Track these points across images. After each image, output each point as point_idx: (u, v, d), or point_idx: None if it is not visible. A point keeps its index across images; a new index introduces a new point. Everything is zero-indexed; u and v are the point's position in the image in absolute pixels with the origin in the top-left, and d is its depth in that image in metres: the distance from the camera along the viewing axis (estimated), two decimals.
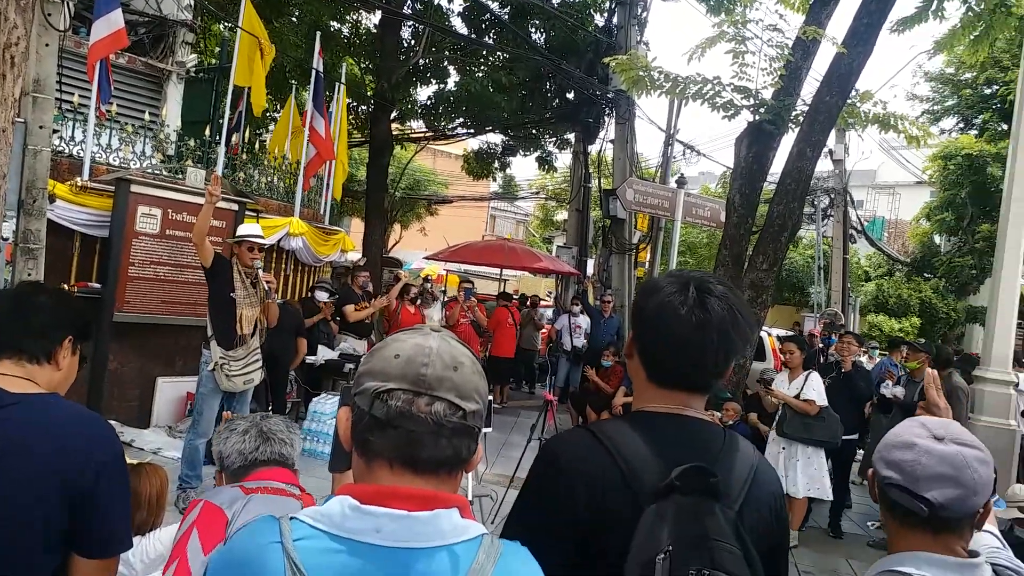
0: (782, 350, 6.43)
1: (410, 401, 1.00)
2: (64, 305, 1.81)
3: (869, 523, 7.07)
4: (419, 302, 9.37)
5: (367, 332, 8.84)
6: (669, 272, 1.52)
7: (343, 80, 10.28)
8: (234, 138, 9.09)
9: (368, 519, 0.97)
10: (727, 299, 1.39)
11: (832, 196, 17.21)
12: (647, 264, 14.09)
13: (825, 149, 17.20)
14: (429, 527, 0.98)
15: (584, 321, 10.88)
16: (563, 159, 18.99)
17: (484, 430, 4.47)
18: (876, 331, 18.52)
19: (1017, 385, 6.85)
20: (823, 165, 17.68)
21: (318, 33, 9.44)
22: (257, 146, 9.87)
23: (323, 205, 10.02)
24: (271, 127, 13.52)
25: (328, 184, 10.06)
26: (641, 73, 8.39)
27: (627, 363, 1.54)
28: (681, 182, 10.54)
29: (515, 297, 13.68)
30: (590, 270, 15.05)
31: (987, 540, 1.58)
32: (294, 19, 11.87)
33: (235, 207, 7.31)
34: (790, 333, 9.46)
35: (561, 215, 26.85)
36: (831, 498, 6.31)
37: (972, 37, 7.30)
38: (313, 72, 8.98)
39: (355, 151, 18.77)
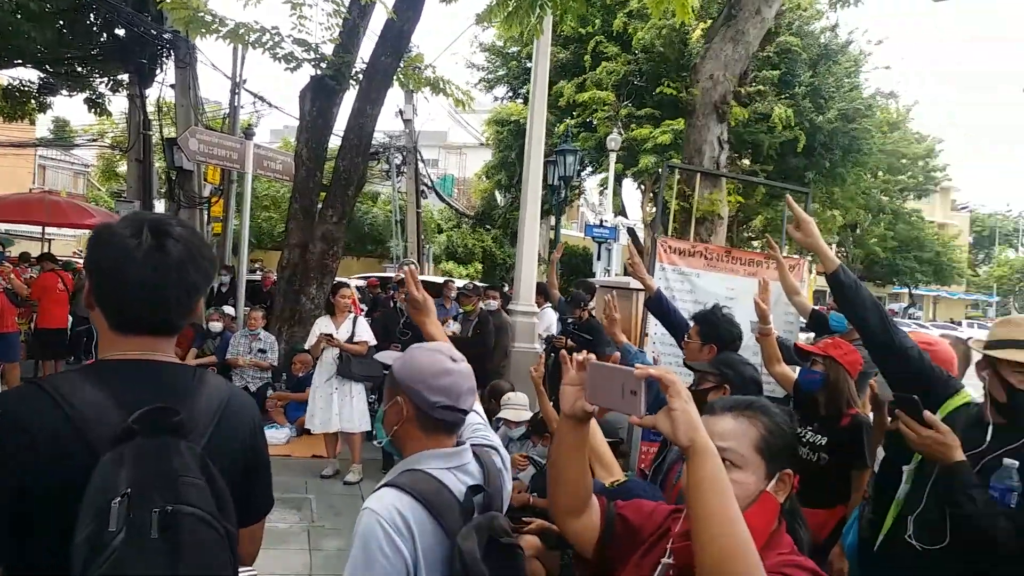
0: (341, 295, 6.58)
1: None
2: None
3: None
4: None
5: None
6: (123, 217, 1.49)
7: None
8: None
9: None
10: (185, 239, 1.41)
11: (404, 154, 18.33)
12: (223, 218, 13.46)
13: (396, 109, 18.27)
14: None
15: None
16: (120, 103, 16.89)
17: None
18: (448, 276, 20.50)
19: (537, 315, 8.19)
20: (396, 124, 18.71)
21: None
22: None
23: None
24: None
25: None
26: (198, 14, 7.88)
27: (90, 315, 1.48)
28: (249, 133, 10.22)
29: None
30: None
31: (472, 419, 1.89)
32: None
33: None
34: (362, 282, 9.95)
35: (125, 166, 24.02)
36: (372, 430, 6.73)
37: (506, 13, 8.23)
38: None
39: None
